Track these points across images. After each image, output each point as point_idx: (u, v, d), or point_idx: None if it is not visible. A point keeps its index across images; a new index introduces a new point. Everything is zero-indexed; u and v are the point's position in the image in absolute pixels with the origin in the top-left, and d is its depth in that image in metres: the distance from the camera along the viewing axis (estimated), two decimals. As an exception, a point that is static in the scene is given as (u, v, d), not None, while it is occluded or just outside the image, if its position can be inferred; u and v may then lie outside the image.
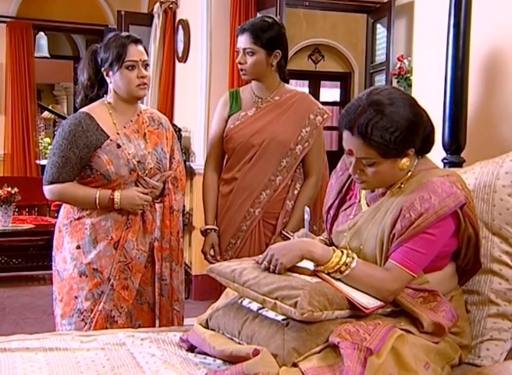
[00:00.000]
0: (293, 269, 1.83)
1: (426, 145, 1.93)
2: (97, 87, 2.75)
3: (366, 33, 6.04)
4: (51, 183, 2.63)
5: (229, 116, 3.00)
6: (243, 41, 2.85)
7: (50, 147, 2.67)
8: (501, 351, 1.94)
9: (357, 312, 1.76)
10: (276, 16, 4.96)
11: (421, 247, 1.80)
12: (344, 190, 2.10)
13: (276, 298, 1.71)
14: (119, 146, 2.64)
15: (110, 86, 2.71)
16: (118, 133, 2.67)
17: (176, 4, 5.81)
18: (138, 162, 2.68)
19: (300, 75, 9.78)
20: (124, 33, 2.77)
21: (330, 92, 9.88)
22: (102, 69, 2.68)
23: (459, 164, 2.45)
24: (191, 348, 1.95)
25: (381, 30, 5.68)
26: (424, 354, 1.73)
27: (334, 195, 2.12)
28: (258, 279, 1.79)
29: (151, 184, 2.71)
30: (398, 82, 5.38)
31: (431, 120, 1.94)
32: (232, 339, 1.84)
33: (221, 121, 3.03)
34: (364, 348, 1.59)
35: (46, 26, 7.68)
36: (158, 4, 5.90)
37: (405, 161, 1.86)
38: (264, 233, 2.92)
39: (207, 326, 1.93)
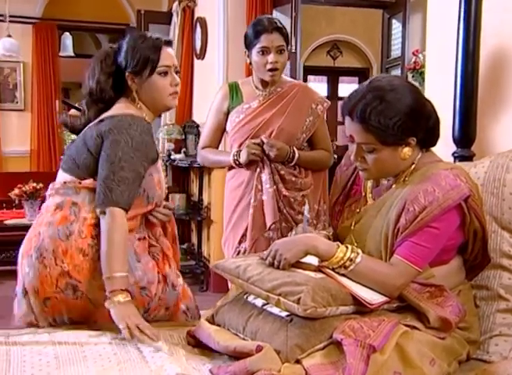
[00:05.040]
0: (298, 264, 1.77)
1: (430, 138, 1.86)
2: (112, 93, 2.25)
3: (382, 28, 5.94)
4: (122, 205, 2.02)
5: (228, 110, 2.95)
6: (275, 39, 2.79)
7: (107, 158, 2.05)
8: (510, 347, 1.84)
9: (361, 308, 1.69)
10: (292, 12, 4.89)
11: (425, 241, 1.73)
12: (349, 185, 2.03)
13: (280, 294, 1.65)
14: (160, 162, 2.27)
15: (134, 94, 2.23)
16: None
17: (194, 2, 5.75)
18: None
19: (318, 71, 9.73)
20: (153, 34, 2.30)
21: (349, 87, 9.78)
22: (127, 73, 2.21)
23: (469, 158, 2.37)
24: (198, 343, 1.89)
25: (396, 25, 5.57)
26: (430, 350, 1.66)
27: (339, 190, 2.06)
28: (262, 275, 1.73)
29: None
30: (413, 77, 5.26)
31: (436, 113, 1.86)
32: (237, 335, 1.78)
33: (219, 114, 2.98)
34: (367, 345, 1.52)
35: (70, 27, 7.67)
36: (176, 2, 5.85)
37: (407, 150, 1.79)
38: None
39: (213, 322, 1.88)
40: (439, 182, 1.73)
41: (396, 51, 5.64)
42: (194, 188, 5.65)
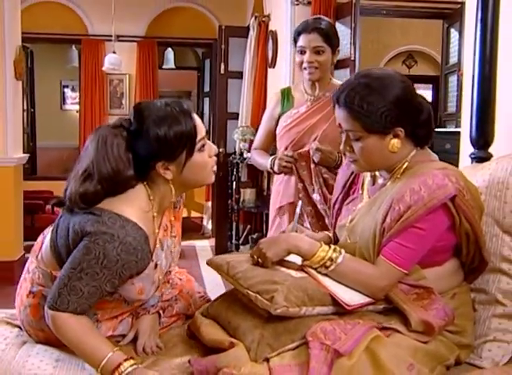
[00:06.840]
0: (282, 263, 1.58)
1: (422, 134, 1.60)
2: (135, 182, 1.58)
3: (442, 37, 5.55)
4: (63, 311, 1.48)
5: (279, 115, 2.72)
6: (312, 40, 2.54)
7: (72, 260, 1.51)
8: (503, 353, 1.58)
9: (341, 309, 1.48)
10: (351, 24, 4.64)
11: (410, 242, 1.49)
12: (348, 184, 1.80)
13: (257, 292, 1.47)
14: (156, 266, 1.62)
15: (170, 185, 1.59)
16: (155, 245, 1.62)
17: (269, 17, 5.61)
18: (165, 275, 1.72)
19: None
20: (171, 101, 1.57)
21: (423, 94, 9.28)
22: (160, 163, 1.55)
23: (486, 159, 2.07)
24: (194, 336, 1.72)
25: (454, 34, 5.18)
26: (409, 355, 1.42)
27: (339, 190, 1.83)
28: (246, 272, 1.55)
29: None
30: (466, 82, 4.89)
31: (430, 110, 1.62)
32: (224, 329, 1.59)
33: (271, 119, 2.76)
34: (332, 350, 1.32)
35: (168, 42, 7.73)
36: (253, 18, 5.76)
37: (395, 142, 1.55)
38: None
39: (208, 315, 1.70)
40: (426, 181, 1.49)
41: (453, 58, 5.25)
42: (266, 183, 5.52)
